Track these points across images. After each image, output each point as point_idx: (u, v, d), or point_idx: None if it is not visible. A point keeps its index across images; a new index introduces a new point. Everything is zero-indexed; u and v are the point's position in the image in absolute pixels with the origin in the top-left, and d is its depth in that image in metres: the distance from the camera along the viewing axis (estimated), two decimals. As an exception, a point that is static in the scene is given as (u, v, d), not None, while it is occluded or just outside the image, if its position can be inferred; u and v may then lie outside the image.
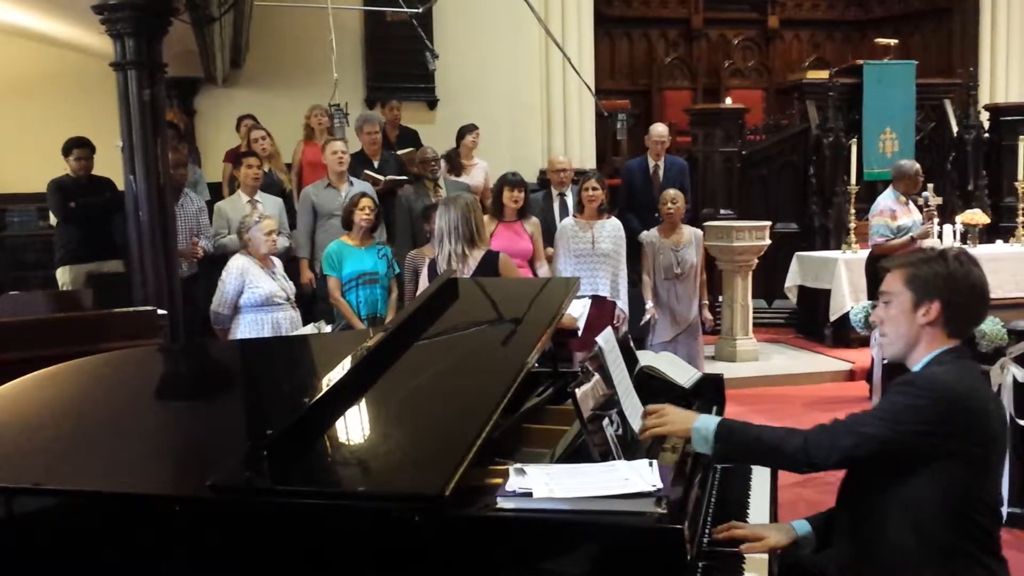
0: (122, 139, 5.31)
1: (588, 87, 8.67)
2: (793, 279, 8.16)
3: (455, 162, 7.30)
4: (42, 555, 2.17)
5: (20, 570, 2.18)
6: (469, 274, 4.34)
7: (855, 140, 8.18)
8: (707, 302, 6.33)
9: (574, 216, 5.88)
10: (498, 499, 1.94)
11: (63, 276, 6.37)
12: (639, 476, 1.98)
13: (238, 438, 2.44)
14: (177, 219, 5.76)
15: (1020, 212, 8.28)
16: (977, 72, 9.86)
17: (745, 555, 2.20)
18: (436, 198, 6.09)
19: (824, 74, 9.01)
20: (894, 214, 6.26)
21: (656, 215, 6.25)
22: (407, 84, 8.87)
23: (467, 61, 8.82)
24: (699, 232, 6.32)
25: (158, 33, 5.30)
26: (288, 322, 5.12)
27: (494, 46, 8.97)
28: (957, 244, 7.82)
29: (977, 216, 8.14)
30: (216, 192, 7.19)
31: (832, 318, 7.70)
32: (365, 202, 5.43)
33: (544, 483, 1.96)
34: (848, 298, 7.40)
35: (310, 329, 4.47)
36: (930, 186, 7.34)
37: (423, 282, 4.59)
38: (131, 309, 4.89)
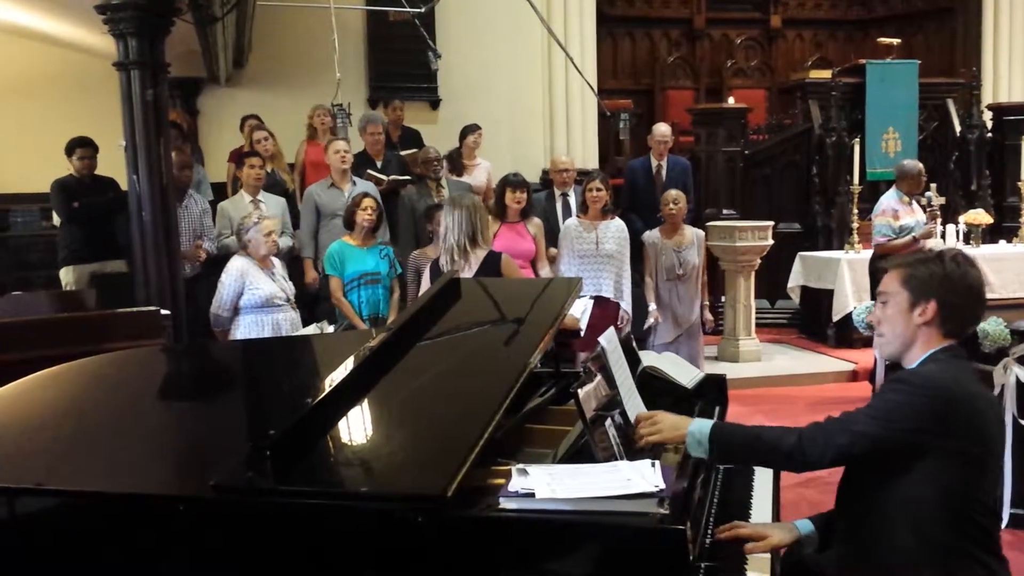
0: (125, 139, 5.32)
1: (590, 87, 8.67)
2: (796, 279, 8.16)
3: (457, 162, 7.30)
4: (44, 555, 2.16)
5: (22, 570, 2.18)
6: (471, 274, 4.34)
7: (858, 140, 8.18)
8: (708, 303, 6.34)
9: (578, 216, 5.88)
10: (500, 499, 1.94)
11: (66, 276, 6.38)
12: (641, 477, 1.98)
13: (240, 438, 2.44)
14: (181, 221, 5.76)
15: (1023, 212, 8.27)
16: (980, 71, 9.85)
17: (748, 555, 2.20)
18: (439, 198, 6.10)
19: (827, 74, 9.00)
20: (896, 214, 6.26)
21: (659, 215, 6.25)
22: (409, 84, 8.87)
23: (469, 61, 8.82)
24: (701, 233, 6.31)
25: (161, 33, 5.30)
26: (288, 323, 5.11)
27: (496, 46, 8.97)
28: (960, 244, 7.83)
29: (980, 216, 8.13)
30: (220, 192, 7.20)
31: (835, 318, 7.69)
32: (367, 202, 5.42)
33: (546, 483, 1.96)
34: (851, 298, 7.40)
35: (312, 329, 4.47)
36: (933, 186, 7.34)
37: (425, 282, 4.59)
38: (134, 309, 4.89)
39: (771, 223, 7.41)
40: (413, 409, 2.42)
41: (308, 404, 2.23)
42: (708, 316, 6.31)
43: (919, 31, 11.37)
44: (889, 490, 2.17)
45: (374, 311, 5.36)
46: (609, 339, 2.62)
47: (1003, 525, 4.02)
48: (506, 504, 1.93)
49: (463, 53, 8.70)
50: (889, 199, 6.38)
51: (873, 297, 6.02)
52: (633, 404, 2.50)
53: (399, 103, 8.31)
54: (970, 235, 8.02)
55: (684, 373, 3.11)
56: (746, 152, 8.78)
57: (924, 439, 2.13)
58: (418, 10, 7.03)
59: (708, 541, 2.22)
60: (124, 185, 5.73)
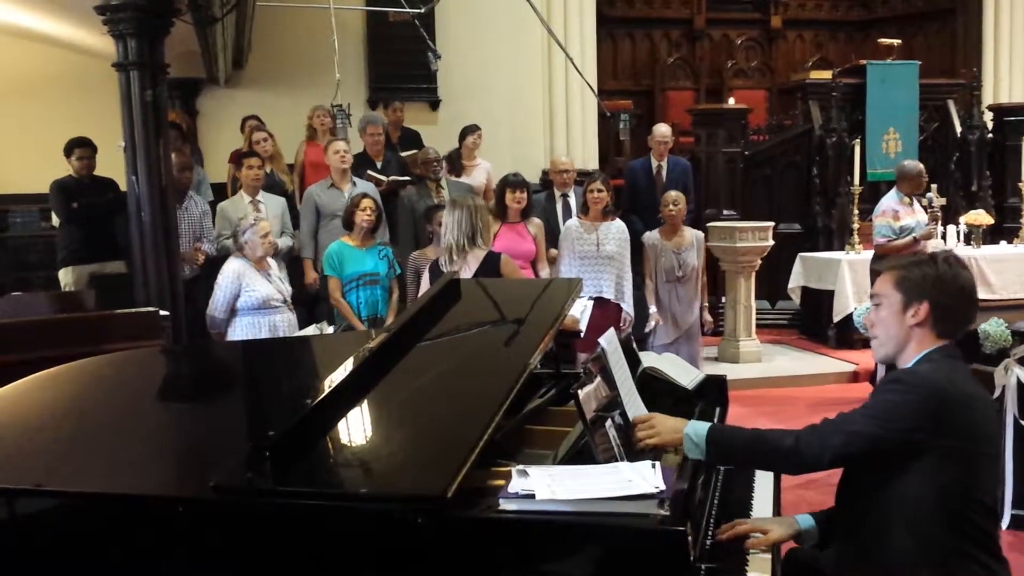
0: (124, 140, 5.32)
1: (590, 87, 8.67)
2: (796, 280, 8.16)
3: (456, 163, 7.29)
4: (43, 556, 2.16)
5: (22, 571, 2.17)
6: (470, 274, 4.33)
7: (858, 140, 8.17)
8: (707, 304, 6.33)
9: (579, 217, 5.87)
10: (500, 500, 1.94)
11: (65, 277, 6.37)
12: (642, 478, 1.97)
13: (240, 439, 2.43)
14: (181, 222, 5.76)
15: (1024, 213, 8.28)
16: (980, 72, 9.85)
17: (748, 555, 2.20)
18: (438, 199, 6.10)
19: (827, 74, 8.99)
20: (897, 215, 6.26)
21: (659, 216, 6.25)
22: (409, 85, 8.88)
23: (469, 61, 8.82)
24: (700, 234, 6.31)
25: (160, 34, 5.30)
26: (285, 324, 5.10)
27: (496, 46, 8.97)
28: (960, 245, 7.83)
29: (981, 217, 8.12)
30: (220, 193, 7.20)
31: (835, 319, 7.69)
32: (366, 203, 5.42)
33: (547, 485, 1.95)
34: (851, 299, 7.40)
35: (312, 330, 4.46)
36: (934, 187, 7.34)
37: (425, 283, 4.59)
38: (133, 310, 4.89)
39: (771, 224, 7.40)
40: (413, 410, 2.42)
41: (308, 405, 2.23)
42: (707, 317, 6.30)
43: (920, 32, 11.37)
44: (887, 490, 2.18)
45: (373, 312, 5.36)
46: (609, 340, 2.62)
47: (1004, 526, 4.02)
48: (506, 505, 1.93)
49: (463, 53, 8.70)
50: (890, 200, 6.38)
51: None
52: (633, 405, 2.49)
53: (399, 104, 8.31)
54: (971, 236, 8.01)
55: (684, 374, 3.11)
56: (746, 153, 8.78)
57: (920, 438, 2.14)
58: (418, 10, 7.02)
59: (709, 542, 2.22)
60: (123, 186, 5.73)
